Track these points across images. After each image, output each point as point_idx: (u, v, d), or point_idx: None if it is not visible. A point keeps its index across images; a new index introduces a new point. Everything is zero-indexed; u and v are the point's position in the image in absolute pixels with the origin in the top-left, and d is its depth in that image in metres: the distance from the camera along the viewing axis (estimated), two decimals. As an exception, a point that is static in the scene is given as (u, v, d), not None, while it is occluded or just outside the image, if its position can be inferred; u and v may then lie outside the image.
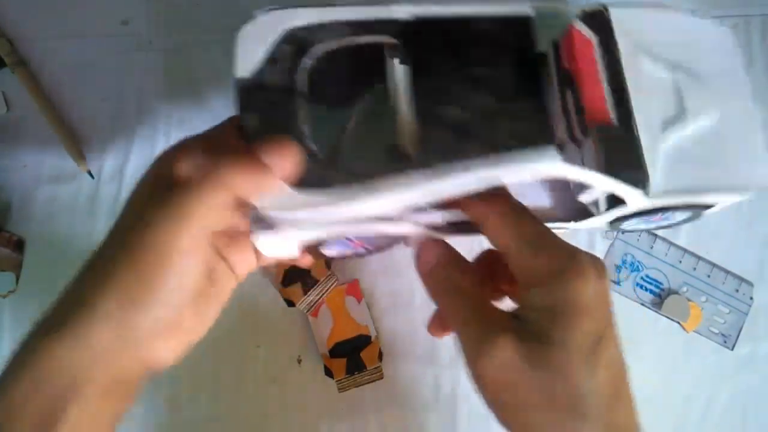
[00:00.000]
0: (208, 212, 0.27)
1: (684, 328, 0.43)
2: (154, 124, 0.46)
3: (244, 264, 0.33)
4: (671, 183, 0.29)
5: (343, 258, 0.36)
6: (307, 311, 0.44)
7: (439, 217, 0.32)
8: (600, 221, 0.34)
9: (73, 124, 0.46)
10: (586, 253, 0.28)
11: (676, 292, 0.44)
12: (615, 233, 0.45)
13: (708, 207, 0.32)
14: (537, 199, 0.35)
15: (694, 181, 0.29)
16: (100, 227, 0.44)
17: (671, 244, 0.44)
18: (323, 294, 0.44)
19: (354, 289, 0.44)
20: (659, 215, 0.32)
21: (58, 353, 0.26)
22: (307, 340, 0.44)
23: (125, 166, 0.46)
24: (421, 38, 0.30)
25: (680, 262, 0.44)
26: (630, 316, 0.44)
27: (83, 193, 0.45)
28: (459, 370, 0.44)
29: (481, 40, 0.30)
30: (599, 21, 0.29)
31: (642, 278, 0.44)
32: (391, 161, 0.28)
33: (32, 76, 0.46)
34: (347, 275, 0.45)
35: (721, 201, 0.31)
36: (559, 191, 0.35)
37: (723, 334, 0.43)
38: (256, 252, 0.33)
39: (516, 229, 0.29)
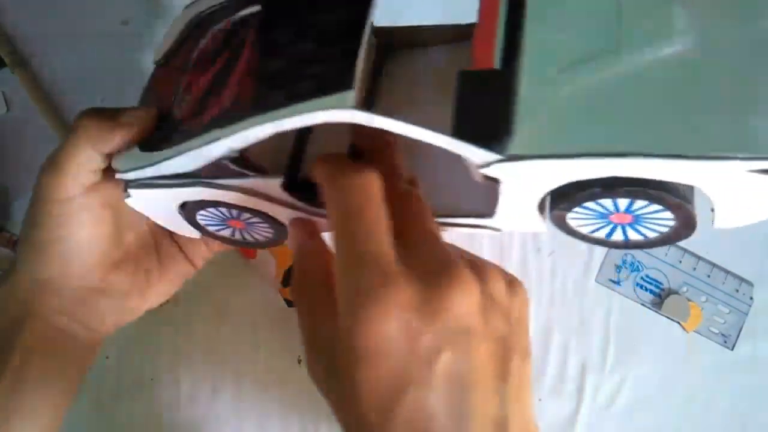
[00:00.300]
0: (72, 161, 0.30)
1: (684, 328, 0.43)
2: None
3: (194, 248, 0.37)
4: (563, 140, 0.21)
5: (248, 246, 0.35)
6: (307, 311, 0.44)
7: (275, 186, 0.28)
8: (527, 219, 0.27)
9: (73, 124, 0.46)
10: (417, 281, 0.22)
11: (676, 292, 0.44)
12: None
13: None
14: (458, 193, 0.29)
15: (620, 139, 0.21)
16: (100, 227, 0.44)
17: (671, 244, 0.44)
18: (323, 294, 0.44)
19: (354, 289, 0.44)
20: (600, 213, 0.24)
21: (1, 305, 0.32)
22: (307, 340, 0.44)
23: (125, 166, 0.46)
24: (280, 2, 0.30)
25: (680, 262, 0.44)
26: (630, 316, 0.43)
27: (83, 193, 0.46)
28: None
29: None
30: None
31: (642, 278, 0.44)
32: (212, 121, 0.27)
33: (32, 76, 0.46)
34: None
35: (692, 180, 0.21)
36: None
37: (723, 334, 0.43)
38: (206, 241, 0.36)
39: (338, 229, 0.24)
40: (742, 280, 0.44)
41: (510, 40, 0.24)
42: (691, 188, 0.23)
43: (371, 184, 0.25)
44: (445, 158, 0.28)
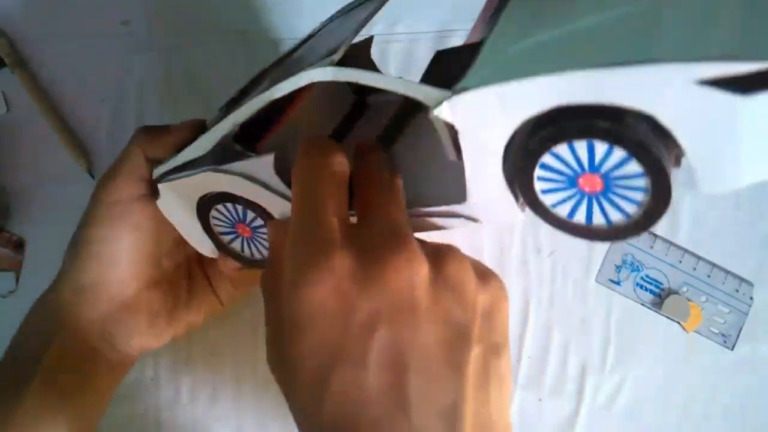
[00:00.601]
0: (123, 164, 0.33)
1: (684, 328, 0.43)
2: (153, 124, 0.46)
3: (222, 284, 0.38)
4: (506, 73, 0.21)
5: (256, 266, 0.34)
6: (307, 311, 0.44)
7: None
8: (498, 198, 0.25)
9: (73, 124, 0.46)
10: (333, 256, 0.21)
11: (676, 292, 0.44)
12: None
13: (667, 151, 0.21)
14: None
15: (558, 64, 0.20)
16: (100, 227, 0.45)
17: (671, 243, 0.44)
18: (323, 294, 0.44)
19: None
20: (560, 158, 0.22)
21: (41, 308, 0.34)
22: (307, 340, 0.44)
23: (125, 166, 0.46)
24: None
25: (680, 261, 0.44)
26: (630, 316, 0.44)
27: (83, 193, 0.45)
28: (459, 370, 0.44)
29: None
30: None
31: (642, 278, 0.44)
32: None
33: (32, 76, 0.46)
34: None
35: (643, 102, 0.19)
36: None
37: (723, 334, 0.43)
38: (235, 281, 0.38)
39: (293, 204, 0.25)
40: (742, 280, 0.44)
41: (494, 17, 0.25)
42: (661, 137, 0.20)
43: (331, 164, 0.25)
44: (423, 147, 0.30)
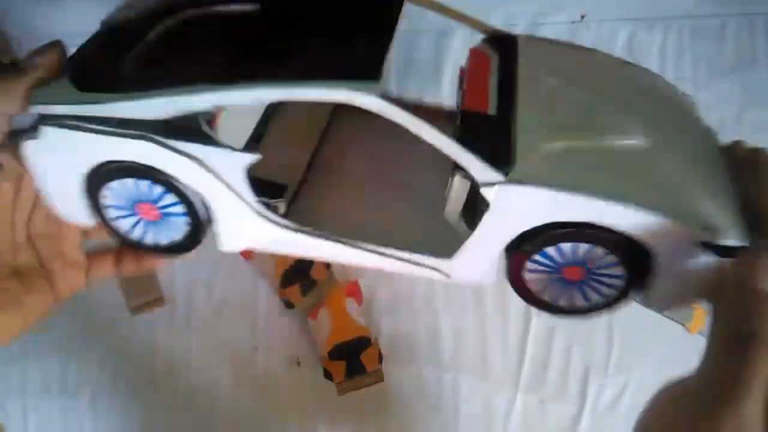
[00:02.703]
0: None
1: (688, 330, 0.43)
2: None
3: (65, 279, 0.29)
4: (557, 179, 0.24)
5: (134, 246, 0.30)
6: (306, 313, 0.43)
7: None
8: (485, 264, 0.28)
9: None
10: None
11: (680, 294, 0.43)
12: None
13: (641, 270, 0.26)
14: None
15: (601, 189, 0.24)
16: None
17: (675, 244, 0.44)
18: (322, 295, 0.43)
19: (354, 290, 0.44)
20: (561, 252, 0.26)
21: None
22: (306, 342, 0.44)
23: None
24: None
25: (684, 263, 0.44)
26: (633, 319, 0.43)
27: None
28: (460, 372, 0.43)
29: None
30: (506, 43, 0.30)
31: (645, 279, 0.44)
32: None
33: (31, 76, 0.46)
34: (347, 276, 0.44)
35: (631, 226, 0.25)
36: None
37: (728, 336, 0.43)
38: (87, 271, 0.30)
39: None
40: (746, 281, 0.43)
41: (503, 98, 0.27)
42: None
43: None
44: (418, 195, 0.31)
